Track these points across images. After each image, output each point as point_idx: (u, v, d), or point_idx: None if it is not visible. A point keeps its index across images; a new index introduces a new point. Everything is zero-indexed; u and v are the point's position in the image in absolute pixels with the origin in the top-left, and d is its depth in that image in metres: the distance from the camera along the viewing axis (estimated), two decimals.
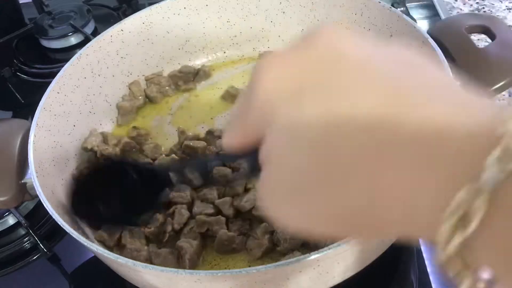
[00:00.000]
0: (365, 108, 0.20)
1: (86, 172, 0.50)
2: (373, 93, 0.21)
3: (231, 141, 0.27)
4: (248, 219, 0.54)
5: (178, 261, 0.51)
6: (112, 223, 0.48)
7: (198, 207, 0.54)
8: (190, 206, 0.55)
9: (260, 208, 0.25)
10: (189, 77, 0.74)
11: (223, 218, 0.53)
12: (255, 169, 0.26)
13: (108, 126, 0.69)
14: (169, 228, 0.53)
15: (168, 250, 0.52)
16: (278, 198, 0.24)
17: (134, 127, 0.66)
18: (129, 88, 0.71)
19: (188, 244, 0.50)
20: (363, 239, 0.24)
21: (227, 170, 0.46)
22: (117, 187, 0.42)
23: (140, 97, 0.70)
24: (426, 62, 0.23)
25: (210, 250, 0.53)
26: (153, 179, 0.39)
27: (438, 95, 0.20)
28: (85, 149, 0.64)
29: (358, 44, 0.24)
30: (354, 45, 0.24)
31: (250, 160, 0.29)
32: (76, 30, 0.92)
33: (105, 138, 0.65)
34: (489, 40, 0.60)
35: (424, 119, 0.19)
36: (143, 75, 0.73)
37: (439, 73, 0.22)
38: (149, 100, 0.71)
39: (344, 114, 0.21)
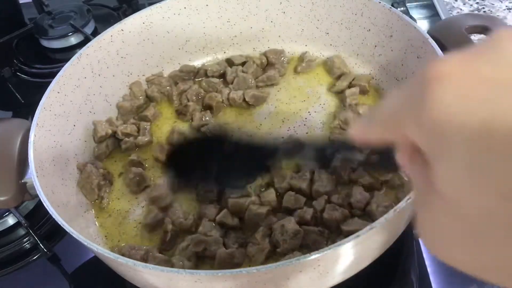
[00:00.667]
0: None
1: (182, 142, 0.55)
2: None
3: (363, 134, 0.25)
4: (240, 228, 0.54)
5: None
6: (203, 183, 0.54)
7: (204, 227, 0.54)
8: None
9: (424, 245, 0.21)
10: (190, 76, 0.74)
11: (220, 238, 0.52)
12: (384, 167, 0.25)
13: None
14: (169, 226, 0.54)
15: (164, 258, 0.51)
16: (450, 240, 0.20)
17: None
18: (130, 88, 0.71)
19: (181, 263, 0.50)
20: None
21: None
22: (215, 155, 0.46)
23: (140, 97, 0.70)
24: None
25: (206, 268, 0.52)
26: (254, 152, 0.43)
27: None
28: (100, 138, 0.65)
29: None
30: None
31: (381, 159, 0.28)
32: (76, 30, 0.92)
33: (110, 121, 0.66)
34: None
35: None
36: (143, 75, 0.73)
37: None
38: (150, 100, 0.71)
39: None
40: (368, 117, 0.25)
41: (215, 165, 0.48)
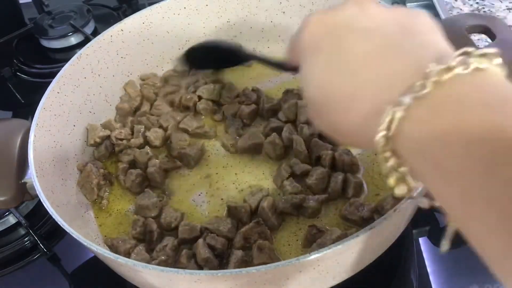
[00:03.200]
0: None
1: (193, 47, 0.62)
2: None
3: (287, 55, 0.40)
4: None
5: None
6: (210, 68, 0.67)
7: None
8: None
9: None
10: (184, 75, 0.74)
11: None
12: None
13: None
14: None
15: (147, 257, 0.51)
16: (310, 114, 0.34)
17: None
18: (125, 90, 0.71)
19: (163, 257, 0.50)
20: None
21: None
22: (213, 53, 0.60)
23: (137, 98, 0.70)
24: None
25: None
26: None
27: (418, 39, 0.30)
28: (94, 144, 0.64)
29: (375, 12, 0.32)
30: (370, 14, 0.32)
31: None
32: (76, 30, 0.92)
33: (106, 125, 0.66)
34: (489, 40, 0.60)
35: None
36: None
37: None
38: (146, 100, 0.71)
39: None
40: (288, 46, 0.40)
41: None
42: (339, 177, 0.55)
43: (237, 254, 0.49)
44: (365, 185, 0.56)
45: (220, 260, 0.51)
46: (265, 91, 0.69)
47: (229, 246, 0.52)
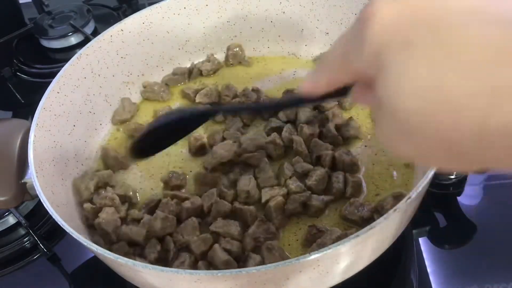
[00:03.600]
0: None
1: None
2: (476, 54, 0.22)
3: (312, 85, 0.31)
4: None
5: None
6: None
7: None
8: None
9: (381, 142, 0.28)
10: (184, 77, 0.74)
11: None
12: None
13: (108, 126, 0.69)
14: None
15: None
16: (395, 137, 0.26)
17: None
18: (122, 102, 0.70)
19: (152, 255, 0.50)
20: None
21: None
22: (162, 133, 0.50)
23: (128, 112, 0.69)
24: None
25: None
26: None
27: None
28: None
29: None
30: None
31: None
32: (76, 30, 0.92)
33: (88, 184, 0.59)
34: None
35: None
36: (143, 75, 0.73)
37: None
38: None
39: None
40: (317, 67, 0.31)
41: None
42: (339, 176, 0.55)
43: (255, 258, 0.49)
44: (364, 185, 0.56)
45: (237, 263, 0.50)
46: (265, 91, 0.69)
47: (243, 249, 0.51)
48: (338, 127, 0.61)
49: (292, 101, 0.42)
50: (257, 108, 0.44)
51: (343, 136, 0.60)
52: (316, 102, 0.33)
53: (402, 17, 0.24)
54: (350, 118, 0.62)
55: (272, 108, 0.42)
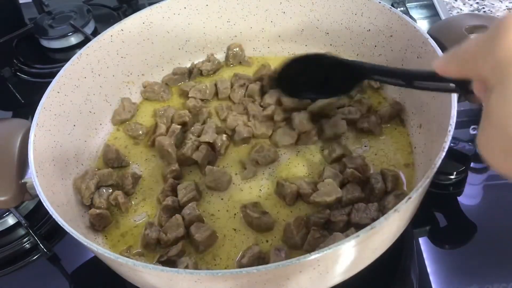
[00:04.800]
0: None
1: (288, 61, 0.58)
2: None
3: (444, 66, 0.33)
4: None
5: None
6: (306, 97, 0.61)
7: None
8: None
9: (479, 148, 0.28)
10: (184, 77, 0.74)
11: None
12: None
13: (108, 126, 0.69)
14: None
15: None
16: (498, 153, 0.26)
17: None
18: (122, 102, 0.70)
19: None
20: None
21: None
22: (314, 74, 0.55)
23: (128, 112, 0.69)
24: None
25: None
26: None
27: None
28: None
29: None
30: None
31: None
32: (76, 30, 0.92)
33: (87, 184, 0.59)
34: None
35: None
36: (143, 75, 0.73)
37: None
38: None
39: None
40: (450, 55, 0.32)
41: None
42: (378, 177, 0.55)
43: (254, 249, 0.50)
44: (403, 176, 0.57)
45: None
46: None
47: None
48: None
49: (430, 74, 0.43)
50: (403, 74, 0.46)
51: (358, 126, 0.61)
52: (446, 82, 0.39)
53: None
54: (374, 111, 0.63)
55: (412, 76, 0.45)
